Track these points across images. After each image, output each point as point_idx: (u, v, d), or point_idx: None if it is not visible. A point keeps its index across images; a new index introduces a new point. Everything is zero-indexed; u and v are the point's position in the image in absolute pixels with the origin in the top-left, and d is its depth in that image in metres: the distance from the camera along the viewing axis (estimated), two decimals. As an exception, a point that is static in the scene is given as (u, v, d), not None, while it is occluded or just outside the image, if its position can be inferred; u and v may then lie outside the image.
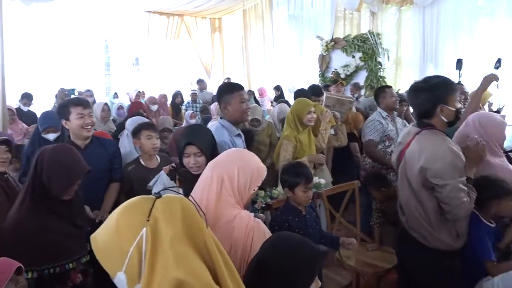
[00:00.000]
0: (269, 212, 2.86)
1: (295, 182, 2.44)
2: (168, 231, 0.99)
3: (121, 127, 4.01)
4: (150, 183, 2.28)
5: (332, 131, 4.03)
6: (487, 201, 2.24)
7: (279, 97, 8.59)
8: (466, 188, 2.04)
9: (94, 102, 6.37)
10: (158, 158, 3.09)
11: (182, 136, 2.20)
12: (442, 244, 2.14)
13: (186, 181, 2.15)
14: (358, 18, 8.94)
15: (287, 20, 10.57)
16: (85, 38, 10.04)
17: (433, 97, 2.09)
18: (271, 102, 9.12)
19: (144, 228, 0.98)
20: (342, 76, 8.43)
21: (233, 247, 1.61)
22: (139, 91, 9.35)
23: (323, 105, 4.83)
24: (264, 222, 2.81)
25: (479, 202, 2.21)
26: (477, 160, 2.18)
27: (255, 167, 1.76)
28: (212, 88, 10.79)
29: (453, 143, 2.12)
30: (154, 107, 7.01)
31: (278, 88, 9.13)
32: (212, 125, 2.82)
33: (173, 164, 2.28)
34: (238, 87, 2.70)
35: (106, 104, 5.13)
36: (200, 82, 10.41)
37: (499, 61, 6.14)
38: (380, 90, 4.23)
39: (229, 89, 2.69)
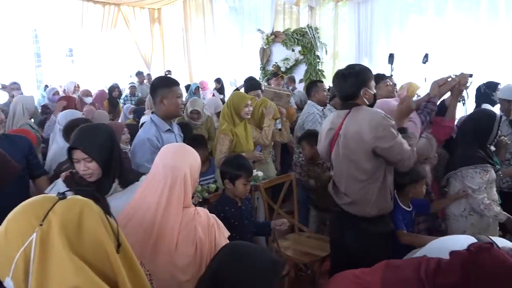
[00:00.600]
0: (206, 207, 2.84)
1: (236, 175, 2.46)
2: (61, 238, 0.92)
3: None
4: (46, 191, 2.04)
5: (278, 124, 4.06)
6: (405, 186, 2.53)
7: (220, 90, 8.55)
8: (405, 141, 2.28)
9: (21, 95, 5.96)
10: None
11: (71, 138, 1.94)
12: (381, 210, 2.34)
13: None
14: (297, 13, 9.11)
15: (228, 13, 10.53)
16: (12, 28, 9.34)
17: (358, 81, 2.32)
18: (213, 95, 9.05)
19: (34, 234, 0.92)
20: (283, 69, 8.57)
21: (198, 246, 1.59)
22: (76, 84, 8.89)
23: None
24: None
25: (398, 188, 2.51)
26: (407, 111, 2.44)
27: (197, 159, 1.75)
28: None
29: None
30: (88, 100, 6.69)
31: (218, 81, 9.09)
32: (143, 120, 2.75)
33: (72, 170, 2.02)
34: (175, 82, 2.72)
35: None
36: (139, 74, 10.09)
37: (426, 56, 6.54)
38: (313, 84, 4.33)
39: (166, 83, 2.67)
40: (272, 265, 1.26)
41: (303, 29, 8.46)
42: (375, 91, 2.40)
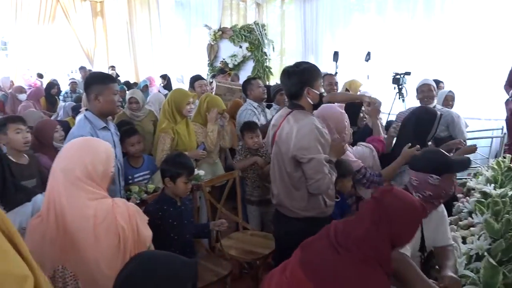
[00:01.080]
0: (143, 208, 2.74)
1: (177, 173, 2.43)
2: None
3: None
4: None
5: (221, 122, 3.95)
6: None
7: (167, 87, 8.37)
8: (328, 165, 2.24)
9: None
10: (26, 155, 2.81)
11: None
12: (313, 213, 2.33)
13: None
14: (244, 9, 9.09)
15: (174, 7, 10.32)
16: None
17: (302, 80, 2.27)
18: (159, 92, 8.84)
19: None
20: (230, 65, 8.52)
21: (121, 235, 1.61)
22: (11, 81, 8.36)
23: (213, 93, 4.80)
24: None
25: None
26: (338, 153, 2.43)
27: (103, 149, 1.73)
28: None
29: (319, 122, 2.29)
30: (22, 96, 6.30)
31: (164, 77, 8.87)
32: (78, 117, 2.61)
33: None
34: (111, 79, 2.66)
35: None
36: (82, 69, 9.67)
37: (368, 54, 6.76)
38: (247, 83, 4.29)
39: (101, 79, 2.56)
40: (182, 267, 1.24)
41: (250, 26, 8.45)
42: (322, 90, 2.35)
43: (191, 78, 5.19)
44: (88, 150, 1.67)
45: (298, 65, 2.34)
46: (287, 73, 2.33)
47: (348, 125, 2.54)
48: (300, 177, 2.26)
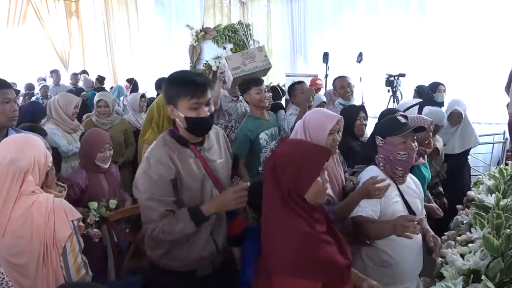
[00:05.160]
0: (105, 227, 2.56)
1: None
2: None
3: None
4: None
5: None
6: None
7: (133, 91, 8.20)
8: (160, 209, 1.85)
9: None
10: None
11: None
12: None
13: None
14: (228, 8, 8.99)
15: (153, 7, 10.20)
16: None
17: (166, 95, 1.94)
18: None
19: None
20: (214, 68, 8.38)
21: (35, 233, 1.65)
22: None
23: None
24: (100, 240, 2.54)
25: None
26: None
27: (41, 145, 1.79)
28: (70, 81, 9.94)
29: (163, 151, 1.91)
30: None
31: (130, 81, 8.54)
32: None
33: None
34: (5, 84, 2.31)
35: None
36: (55, 73, 9.46)
37: (360, 55, 6.67)
38: (291, 87, 4.24)
39: None
40: None
41: (235, 26, 8.34)
42: (189, 114, 1.83)
43: (158, 81, 4.94)
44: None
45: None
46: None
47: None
48: None
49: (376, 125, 2.52)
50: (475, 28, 6.54)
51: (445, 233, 2.37)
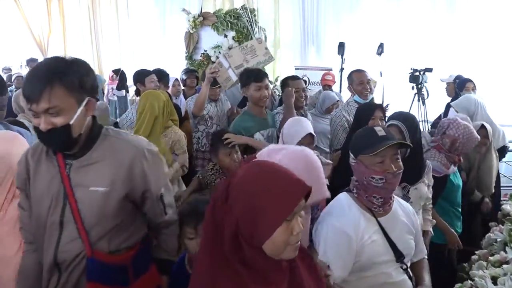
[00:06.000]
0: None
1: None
2: None
3: None
4: None
5: None
6: None
7: (121, 87, 8.26)
8: None
9: None
10: None
11: None
12: None
13: None
14: (230, -10, 9.03)
15: (145, -11, 10.26)
16: None
17: None
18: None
19: None
20: (213, 58, 8.39)
21: None
22: None
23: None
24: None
25: None
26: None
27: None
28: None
29: None
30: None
31: (116, 72, 8.53)
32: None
33: None
34: None
35: None
36: (32, 62, 9.55)
37: (381, 46, 6.69)
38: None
39: None
40: None
41: (238, 11, 8.35)
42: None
43: (137, 74, 4.85)
44: None
45: None
46: None
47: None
48: None
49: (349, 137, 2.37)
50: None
51: (475, 252, 2.37)
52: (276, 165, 1.31)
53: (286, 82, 3.92)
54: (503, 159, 4.58)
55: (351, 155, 1.99)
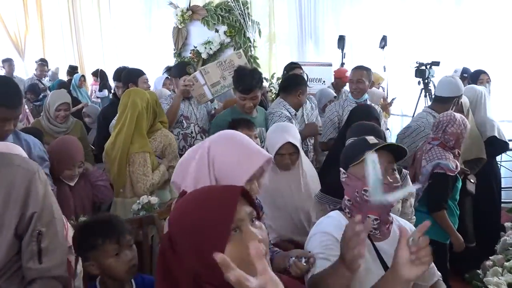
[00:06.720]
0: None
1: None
2: None
3: None
4: None
5: None
6: None
7: (103, 87, 8.27)
8: None
9: None
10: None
11: None
12: None
13: None
14: (221, -18, 9.03)
15: (128, -18, 10.32)
16: None
17: None
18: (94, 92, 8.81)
19: None
20: (204, 55, 8.40)
21: None
22: None
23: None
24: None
25: None
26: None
27: None
28: (27, 72, 10.17)
29: None
30: None
31: (96, 74, 8.52)
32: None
33: None
34: None
35: None
36: (7, 63, 9.51)
37: (384, 39, 6.71)
38: None
39: None
40: None
41: (229, 4, 8.35)
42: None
43: (129, 73, 4.76)
44: None
45: None
46: None
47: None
48: None
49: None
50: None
51: (490, 257, 2.37)
52: (207, 188, 1.26)
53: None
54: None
55: (342, 170, 1.91)
